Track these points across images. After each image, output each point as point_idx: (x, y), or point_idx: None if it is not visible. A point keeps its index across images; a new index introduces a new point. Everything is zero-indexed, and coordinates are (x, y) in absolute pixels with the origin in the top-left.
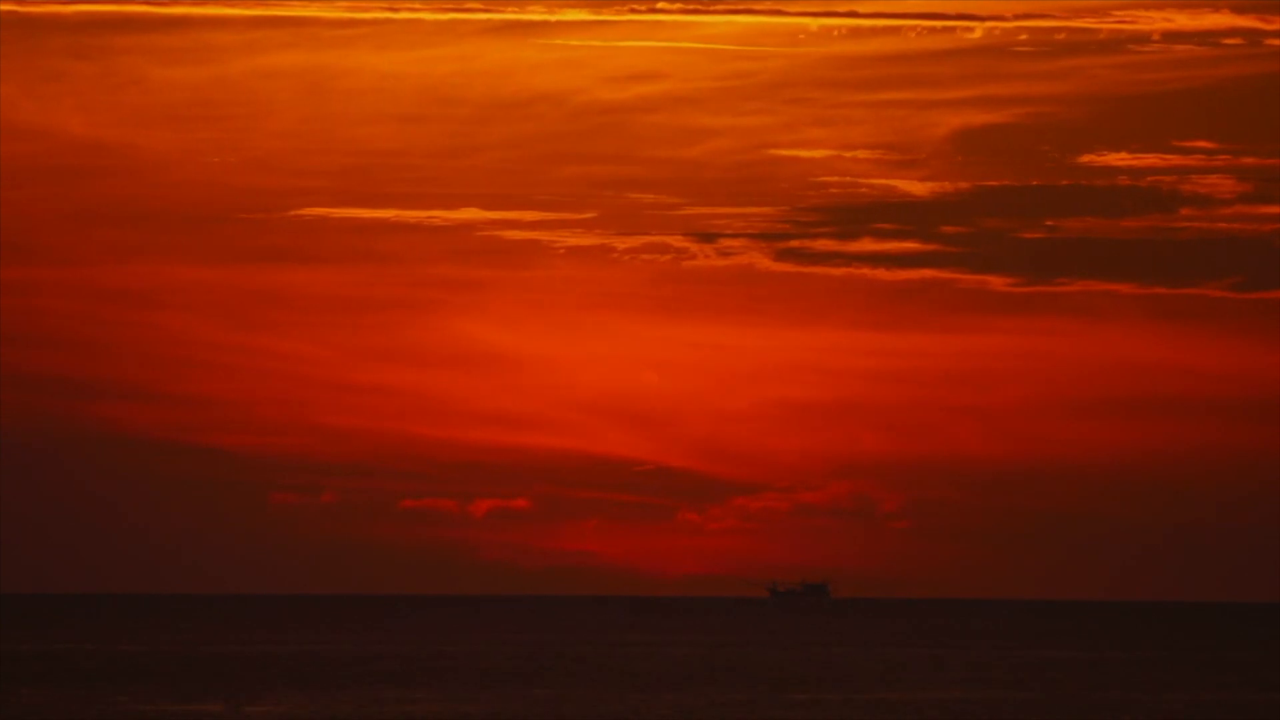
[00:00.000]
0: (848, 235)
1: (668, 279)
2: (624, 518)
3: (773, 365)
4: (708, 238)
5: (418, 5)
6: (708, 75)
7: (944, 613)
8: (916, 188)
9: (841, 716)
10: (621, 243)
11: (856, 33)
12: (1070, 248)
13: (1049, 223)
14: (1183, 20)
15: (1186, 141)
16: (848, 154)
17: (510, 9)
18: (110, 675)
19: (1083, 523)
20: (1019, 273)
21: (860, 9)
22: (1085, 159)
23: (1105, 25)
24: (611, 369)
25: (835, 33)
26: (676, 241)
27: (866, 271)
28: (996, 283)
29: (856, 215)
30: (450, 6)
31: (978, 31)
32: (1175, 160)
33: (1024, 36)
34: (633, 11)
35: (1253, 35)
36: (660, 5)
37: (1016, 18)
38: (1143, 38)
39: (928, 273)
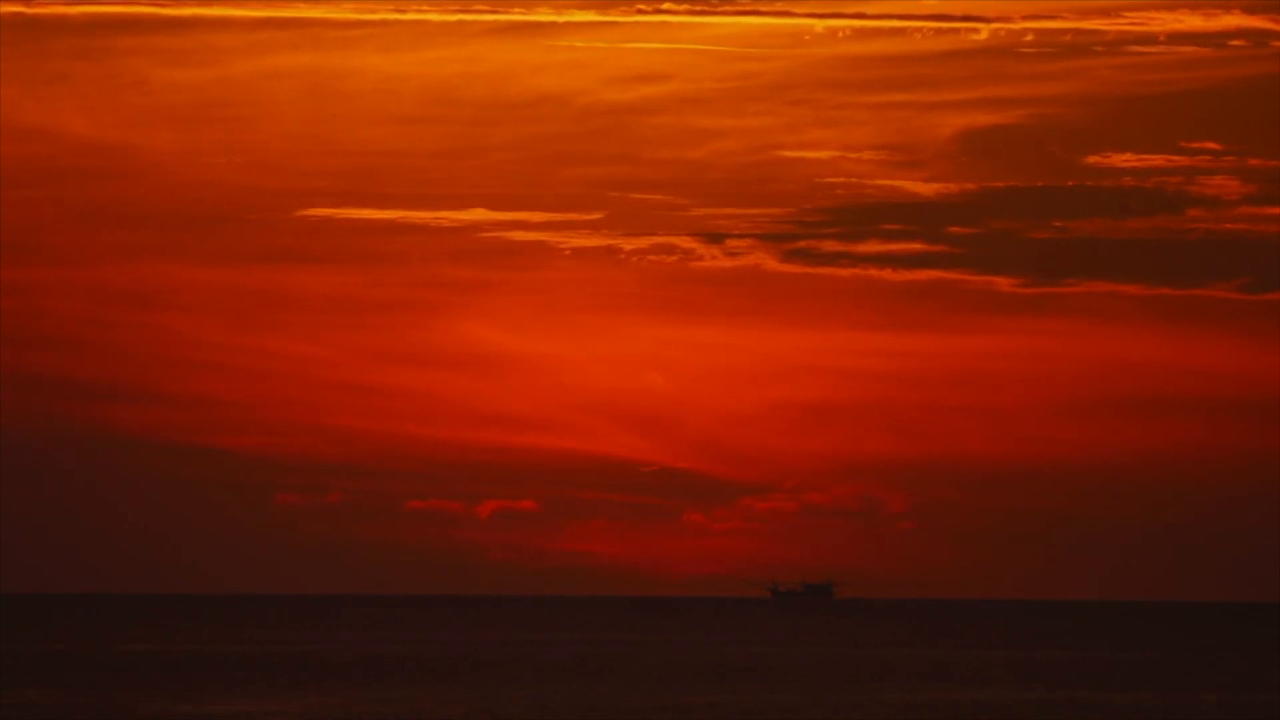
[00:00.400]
0: (854, 236)
1: (674, 280)
2: (629, 518)
3: (779, 366)
4: (715, 238)
5: (425, 6)
6: (712, 76)
7: (951, 613)
8: (922, 189)
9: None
10: (629, 244)
11: (861, 34)
12: (1077, 249)
13: (1056, 224)
14: (1195, 21)
15: (1193, 143)
16: (853, 155)
17: (517, 10)
18: (114, 675)
19: (1089, 524)
20: (1026, 274)
21: (867, 10)
22: (1092, 160)
23: (1113, 27)
24: (617, 370)
25: (840, 34)
26: (684, 242)
27: (873, 272)
28: (1003, 284)
29: (863, 216)
30: (456, 8)
31: (984, 33)
32: (1182, 161)
33: (1030, 38)
34: (639, 13)
35: (1259, 36)
36: (666, 6)
37: (1024, 19)
38: (1149, 39)
39: (934, 274)
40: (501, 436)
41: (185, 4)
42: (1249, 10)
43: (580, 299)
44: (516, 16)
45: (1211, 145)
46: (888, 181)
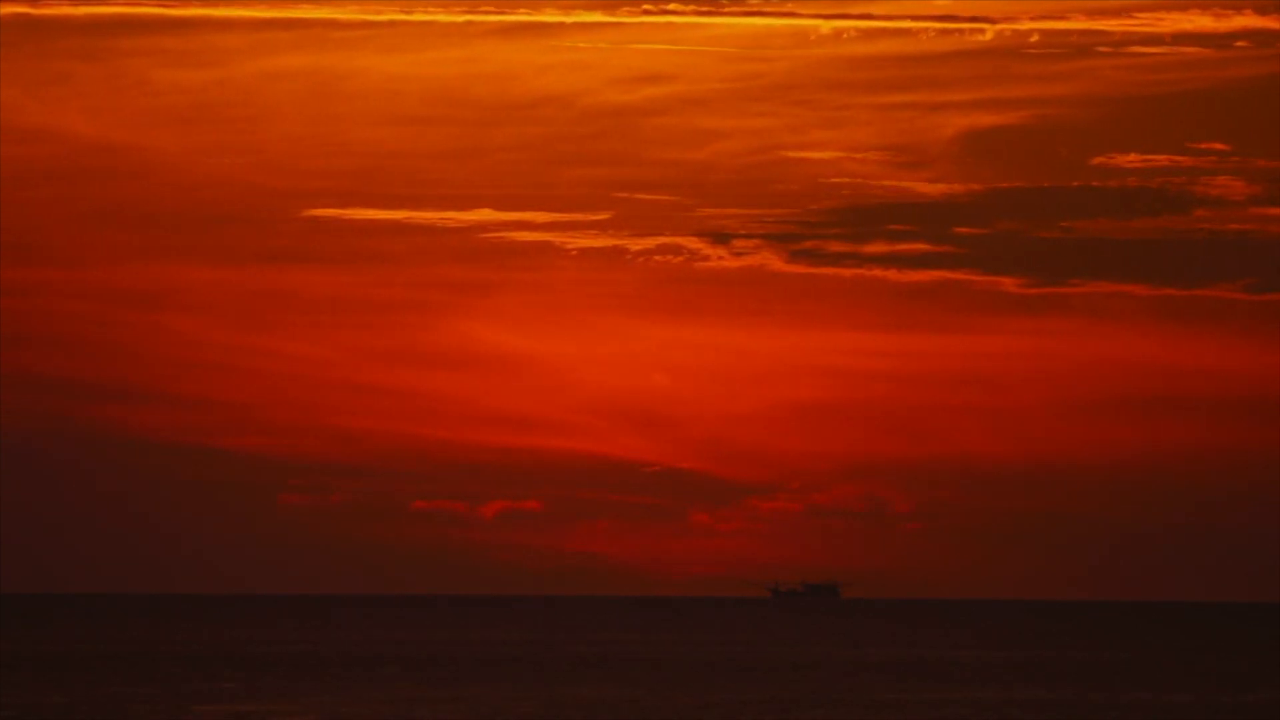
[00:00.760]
0: (860, 237)
1: (680, 280)
2: (634, 519)
3: (784, 366)
4: (721, 239)
5: (430, 7)
6: (716, 77)
7: (958, 613)
8: (928, 189)
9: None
10: (636, 244)
11: (866, 34)
12: (1082, 249)
13: (1061, 224)
14: (1205, 21)
15: (1199, 143)
16: (857, 155)
17: (522, 10)
18: (116, 675)
19: (1096, 524)
20: (1031, 274)
21: (874, 11)
22: (1097, 160)
23: (1119, 27)
24: (622, 370)
25: (845, 35)
26: (690, 243)
27: (878, 273)
28: (1009, 284)
29: (868, 217)
30: (463, 9)
31: (989, 33)
32: (1188, 162)
33: (1035, 38)
34: (646, 13)
35: (1266, 37)
36: (672, 6)
37: (1032, 19)
38: (1155, 39)
39: (940, 274)
40: (506, 437)
41: (189, 5)
42: (1261, 10)
43: (585, 299)
44: (522, 17)
45: (1218, 146)
46: (893, 182)
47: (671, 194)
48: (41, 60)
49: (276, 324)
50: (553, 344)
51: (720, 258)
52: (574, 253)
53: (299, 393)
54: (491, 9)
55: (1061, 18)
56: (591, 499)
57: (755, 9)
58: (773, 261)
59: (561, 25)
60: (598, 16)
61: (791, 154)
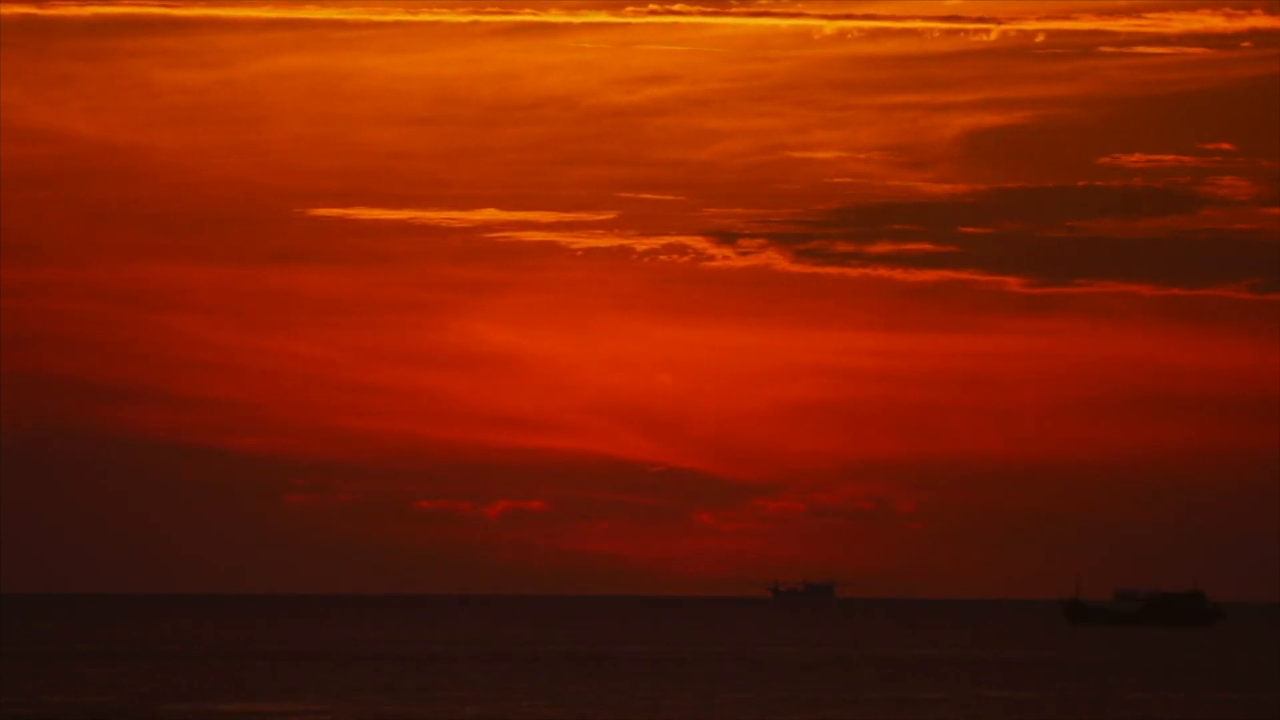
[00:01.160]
0: (864, 237)
1: (685, 280)
2: (638, 519)
3: (788, 366)
4: (727, 238)
5: (436, 7)
6: (718, 77)
7: (958, 614)
8: (932, 189)
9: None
10: (642, 244)
11: (869, 34)
12: (1088, 248)
13: (1067, 224)
14: (1215, 21)
15: (1205, 143)
16: (861, 155)
17: (526, 10)
18: (118, 675)
19: (1100, 524)
20: (1036, 274)
21: (879, 11)
22: (1103, 160)
23: (1125, 27)
24: (627, 370)
25: (850, 35)
26: (696, 243)
27: (883, 272)
28: (1014, 284)
29: (872, 217)
30: (468, 10)
31: (993, 33)
32: (1193, 162)
33: (1041, 38)
34: (652, 14)
35: (1272, 37)
36: (678, 7)
37: (1039, 19)
38: (1161, 39)
39: (945, 274)
40: (511, 437)
41: (191, 5)
42: (1271, 11)
43: (590, 299)
44: (526, 17)
45: (1223, 146)
46: (897, 182)
47: (676, 194)
48: (44, 61)
49: (280, 324)
50: (557, 344)
51: (726, 257)
52: (579, 253)
53: (303, 393)
54: (496, 9)
55: (1068, 18)
56: (595, 499)
57: (760, 9)
58: (778, 261)
59: (566, 25)
60: (602, 16)
61: (796, 154)
